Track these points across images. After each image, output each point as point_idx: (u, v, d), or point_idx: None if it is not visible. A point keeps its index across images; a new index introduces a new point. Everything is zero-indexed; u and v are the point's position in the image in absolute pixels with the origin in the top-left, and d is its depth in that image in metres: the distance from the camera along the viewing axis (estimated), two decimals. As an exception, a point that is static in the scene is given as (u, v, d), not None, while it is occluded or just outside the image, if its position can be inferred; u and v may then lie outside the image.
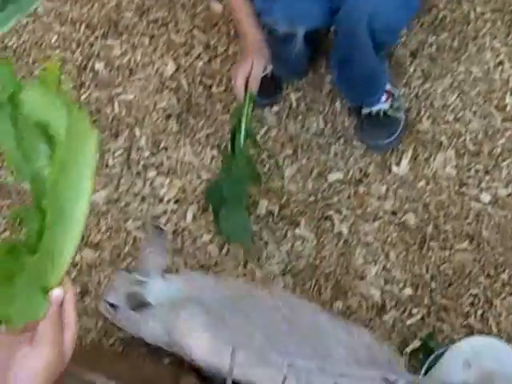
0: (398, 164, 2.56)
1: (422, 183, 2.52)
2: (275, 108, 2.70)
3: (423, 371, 1.40)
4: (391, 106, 2.56)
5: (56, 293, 0.96)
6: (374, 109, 2.55)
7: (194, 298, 1.98)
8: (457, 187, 2.50)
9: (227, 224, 2.38)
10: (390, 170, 2.55)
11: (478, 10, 2.78)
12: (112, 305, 2.05)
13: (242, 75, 2.31)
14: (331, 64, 2.52)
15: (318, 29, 2.47)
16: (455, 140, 2.58)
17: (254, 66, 2.30)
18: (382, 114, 2.56)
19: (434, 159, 2.55)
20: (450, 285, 2.36)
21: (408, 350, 2.24)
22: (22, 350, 0.94)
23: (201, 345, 1.90)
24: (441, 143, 2.57)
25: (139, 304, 1.97)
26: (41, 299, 0.94)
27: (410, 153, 2.57)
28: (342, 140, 2.62)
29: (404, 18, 2.29)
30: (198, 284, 2.04)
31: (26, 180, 0.95)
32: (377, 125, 2.56)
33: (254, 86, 2.34)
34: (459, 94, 2.65)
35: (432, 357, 1.49)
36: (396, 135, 2.55)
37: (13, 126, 0.93)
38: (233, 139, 2.34)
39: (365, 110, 2.57)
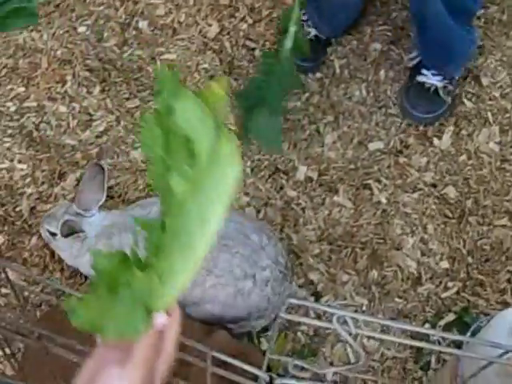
0: (439, 137, 2.54)
1: (463, 157, 2.50)
2: (318, 74, 2.67)
3: (469, 334, 1.39)
4: (445, 87, 2.53)
5: (160, 317, 0.88)
6: (429, 81, 2.53)
7: (128, 227, 2.07)
8: (498, 163, 2.48)
9: (259, 125, 2.27)
10: (431, 143, 2.53)
11: (530, -17, 2.75)
12: (52, 233, 2.20)
13: None
14: (412, 29, 2.50)
15: None
16: (500, 116, 2.55)
17: None
18: (432, 89, 2.53)
19: (478, 134, 2.52)
20: (486, 260, 2.34)
21: (442, 323, 2.24)
22: (112, 368, 0.88)
23: None
24: (485, 119, 2.55)
25: (72, 231, 2.10)
26: (142, 319, 0.88)
27: (451, 127, 2.55)
28: (383, 110, 2.60)
29: None
30: (132, 214, 2.14)
31: (158, 192, 0.90)
32: (423, 97, 2.53)
33: None
34: (507, 70, 2.61)
35: (474, 325, 1.48)
36: (435, 115, 2.53)
37: (163, 134, 0.89)
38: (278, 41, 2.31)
39: (419, 78, 2.54)
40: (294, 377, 1.18)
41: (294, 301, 1.29)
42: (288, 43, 2.23)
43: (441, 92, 2.53)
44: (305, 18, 2.62)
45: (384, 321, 1.23)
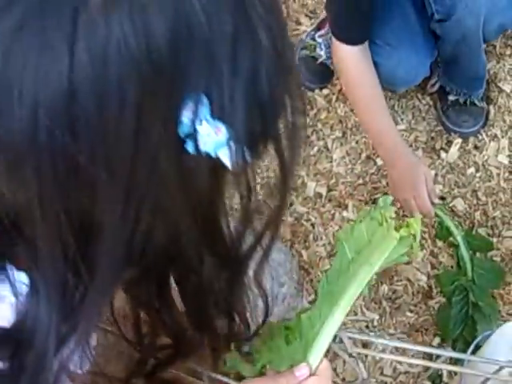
0: (446, 150, 2.54)
1: (471, 170, 2.50)
2: (325, 91, 2.69)
3: (470, 351, 1.41)
4: (478, 95, 2.55)
5: (302, 369, 0.98)
6: (464, 97, 2.54)
7: None
8: (507, 174, 2.49)
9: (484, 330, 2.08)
10: (438, 156, 2.54)
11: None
12: None
13: (423, 193, 2.21)
14: (435, 63, 2.51)
15: None
16: (510, 132, 2.56)
17: (427, 179, 2.23)
18: (468, 102, 2.54)
19: (487, 148, 2.53)
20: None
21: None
22: None
23: None
24: (495, 135, 2.56)
25: None
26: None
27: (458, 139, 2.55)
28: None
29: None
30: None
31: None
32: (463, 113, 2.55)
33: (435, 197, 2.29)
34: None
35: (479, 338, 1.50)
36: (480, 125, 2.56)
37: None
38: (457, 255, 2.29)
39: (451, 97, 2.55)
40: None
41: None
42: (466, 253, 2.25)
43: (475, 101, 2.55)
44: (319, 40, 2.62)
45: (378, 339, 1.24)
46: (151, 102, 0.64)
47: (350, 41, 2.19)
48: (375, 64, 2.26)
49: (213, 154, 0.67)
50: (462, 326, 2.18)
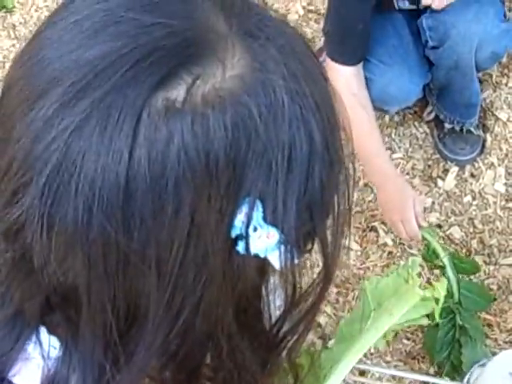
0: (442, 178, 2.55)
1: (468, 198, 2.51)
2: (322, 119, 2.70)
3: (466, 380, 1.41)
4: (472, 123, 2.56)
5: None
6: (458, 125, 2.56)
7: None
8: (503, 202, 2.49)
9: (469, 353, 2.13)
10: (435, 184, 2.55)
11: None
12: None
13: (410, 217, 2.23)
14: (429, 91, 2.54)
15: None
16: (506, 160, 2.58)
17: (414, 203, 2.24)
18: (465, 130, 2.56)
19: (484, 177, 2.54)
20: (494, 300, 2.34)
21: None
22: None
23: None
24: (491, 163, 2.57)
25: None
26: None
27: (455, 167, 2.56)
28: (387, 152, 2.62)
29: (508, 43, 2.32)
30: None
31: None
32: (460, 140, 2.56)
33: (423, 221, 2.31)
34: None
35: (475, 366, 1.50)
36: (477, 153, 2.57)
37: None
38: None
39: (447, 125, 2.57)
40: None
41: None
42: (453, 276, 2.22)
43: (472, 129, 2.56)
44: None
45: (375, 367, 1.25)
46: (206, 207, 0.65)
47: (344, 61, 2.20)
48: (367, 80, 2.28)
49: (262, 256, 0.68)
50: (448, 349, 2.17)
